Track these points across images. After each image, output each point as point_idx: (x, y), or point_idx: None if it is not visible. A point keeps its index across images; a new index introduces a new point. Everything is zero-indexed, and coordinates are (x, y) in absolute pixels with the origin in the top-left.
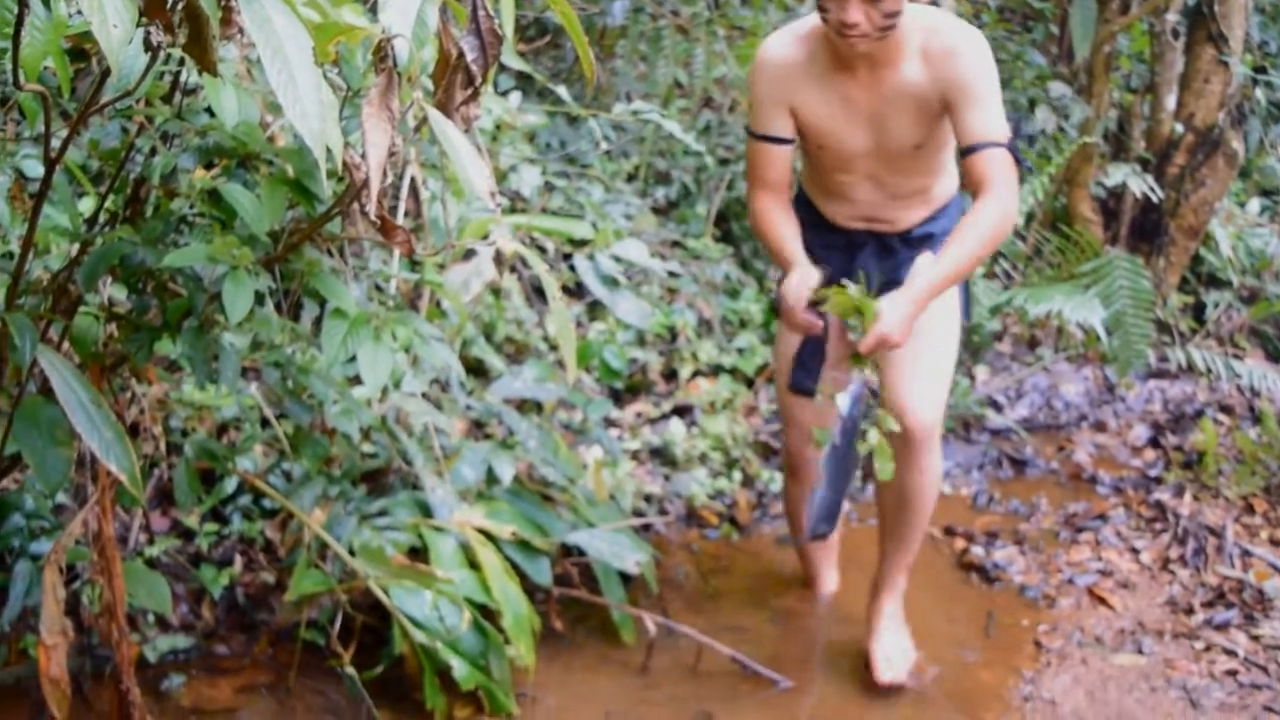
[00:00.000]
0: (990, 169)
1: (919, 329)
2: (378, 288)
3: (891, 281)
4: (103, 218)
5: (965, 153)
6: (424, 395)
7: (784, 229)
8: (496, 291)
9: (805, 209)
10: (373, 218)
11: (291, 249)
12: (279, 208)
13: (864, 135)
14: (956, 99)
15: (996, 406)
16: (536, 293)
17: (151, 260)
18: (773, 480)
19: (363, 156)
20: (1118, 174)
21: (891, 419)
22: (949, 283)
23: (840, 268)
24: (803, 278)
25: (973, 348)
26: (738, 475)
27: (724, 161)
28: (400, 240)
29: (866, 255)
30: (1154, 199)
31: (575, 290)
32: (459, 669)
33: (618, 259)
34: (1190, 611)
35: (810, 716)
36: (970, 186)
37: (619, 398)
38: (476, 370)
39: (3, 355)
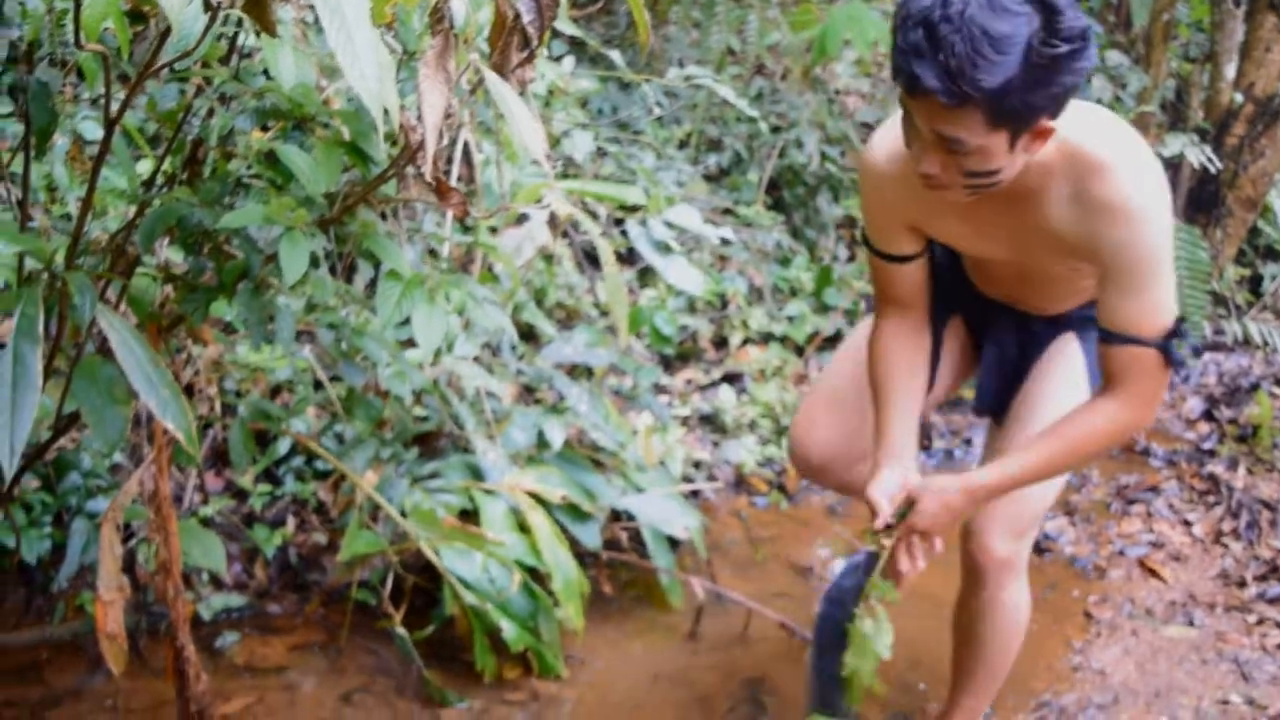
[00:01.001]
0: (1129, 371)
1: (1034, 416)
2: (431, 251)
3: (1019, 356)
4: (160, 179)
5: (1105, 338)
6: (475, 359)
7: (897, 387)
8: (548, 257)
9: (944, 253)
10: (428, 179)
11: (346, 211)
12: (335, 170)
13: (1005, 251)
14: (1109, 271)
15: None
16: (588, 258)
17: (209, 221)
18: None
19: (418, 118)
20: (1175, 144)
21: (893, 589)
22: (1021, 485)
23: (970, 319)
24: (886, 486)
25: None
26: (786, 443)
27: (776, 129)
28: (455, 203)
29: (1000, 324)
30: (1212, 170)
31: (626, 256)
32: (509, 631)
33: (670, 225)
34: (1242, 585)
35: (882, 673)
36: (1103, 376)
37: (669, 364)
38: (527, 335)
39: (62, 315)
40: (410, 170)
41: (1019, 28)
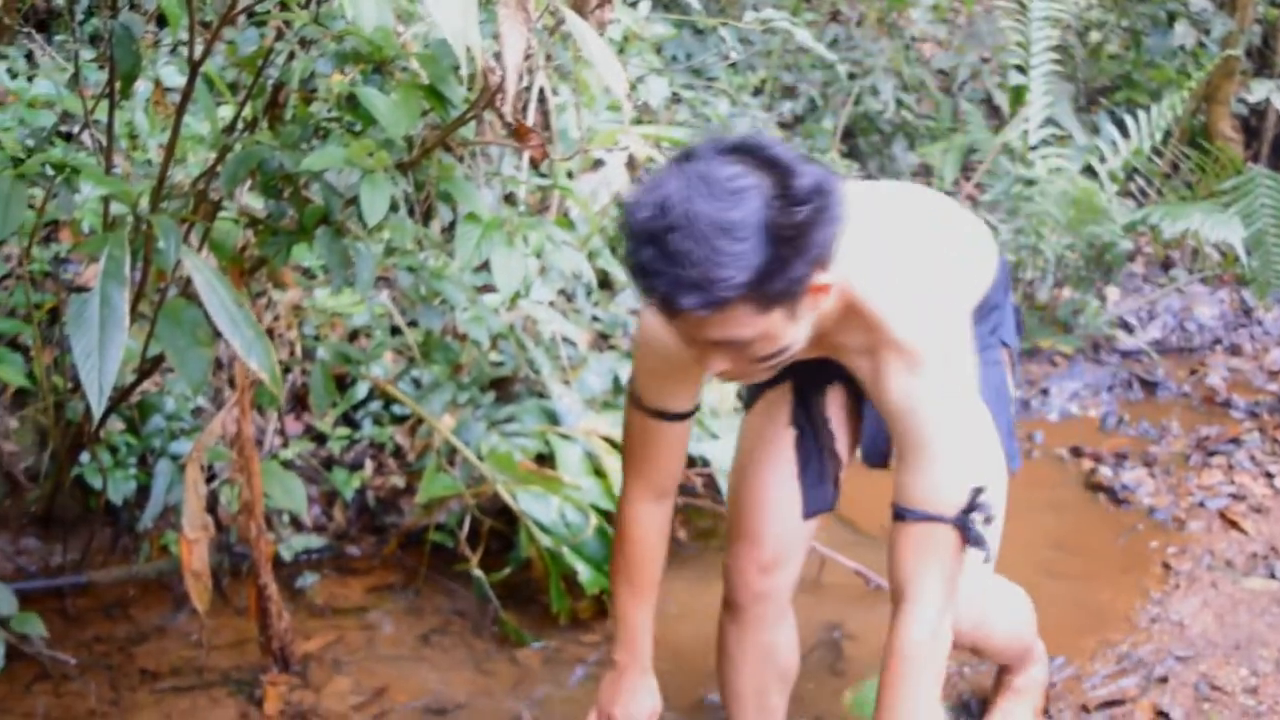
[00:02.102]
0: (916, 554)
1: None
2: (508, 196)
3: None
4: (240, 124)
5: (897, 515)
6: (551, 304)
7: (645, 578)
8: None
9: None
10: (508, 121)
11: (425, 154)
12: (414, 113)
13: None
14: (897, 432)
15: (1127, 328)
16: None
17: (290, 164)
18: None
19: (497, 59)
20: (1260, 90)
21: None
22: None
23: (846, 385)
24: (632, 707)
25: (1104, 267)
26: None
27: (852, 76)
28: (534, 144)
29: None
30: None
31: None
32: (584, 573)
33: None
34: None
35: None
36: (890, 568)
37: None
38: (602, 283)
39: (147, 259)
40: (488, 114)
41: (751, 207)
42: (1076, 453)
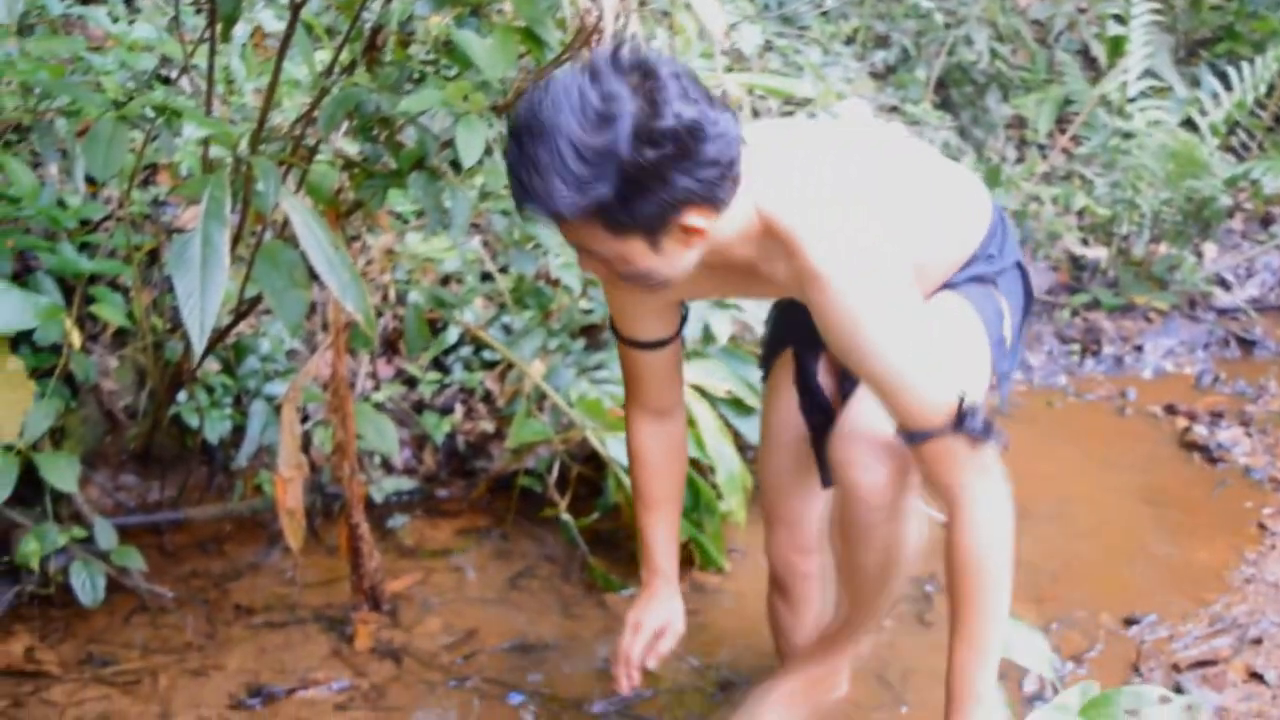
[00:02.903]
0: (938, 467)
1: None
2: None
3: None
4: (338, 68)
5: (903, 439)
6: None
7: (660, 497)
8: None
9: None
10: None
11: (521, 96)
12: (511, 55)
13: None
14: (851, 361)
15: (1224, 285)
16: None
17: (387, 107)
18: None
19: (594, 0)
20: None
21: None
22: (987, 661)
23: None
24: (650, 613)
25: (1202, 222)
26: None
27: (945, 25)
28: None
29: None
30: None
31: None
32: None
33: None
34: None
35: (1027, 584)
36: (930, 485)
37: None
38: None
39: (246, 200)
40: (584, 55)
41: (610, 136)
42: (1171, 410)
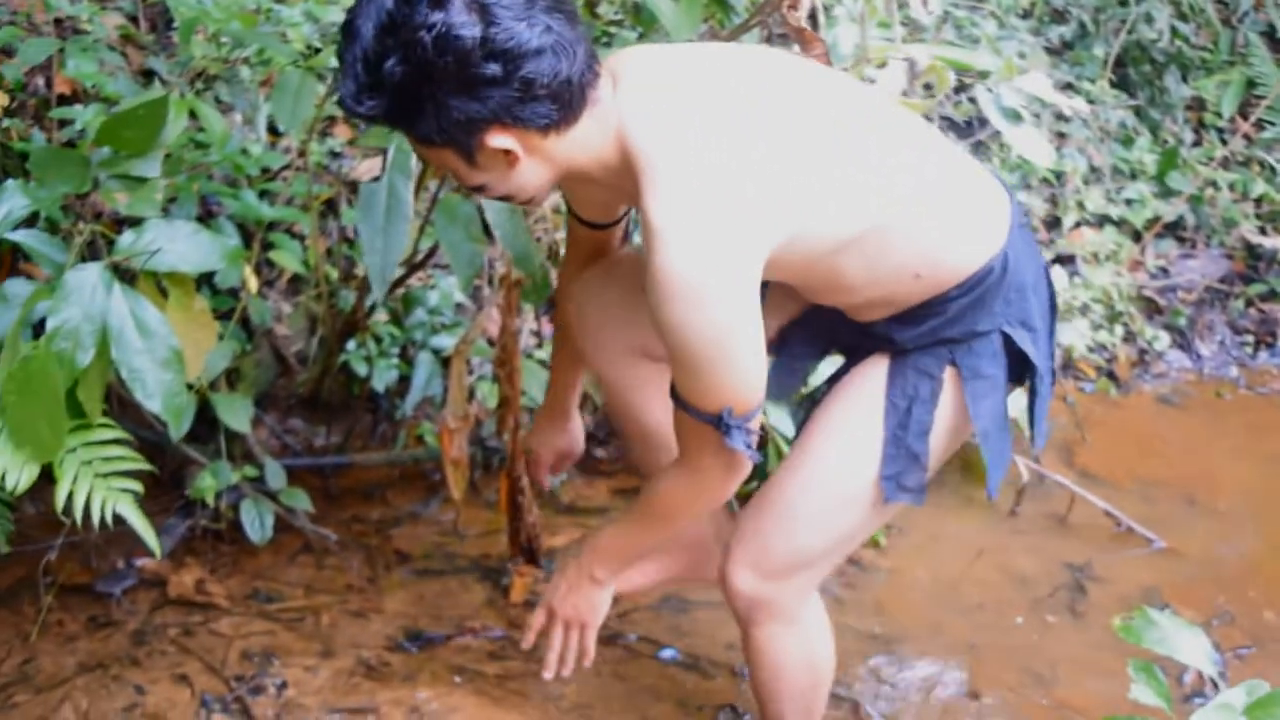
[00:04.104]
0: (686, 437)
1: (803, 449)
2: None
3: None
4: None
5: (671, 392)
6: None
7: (565, 351)
8: None
9: None
10: (798, 25)
11: None
12: (697, 17)
13: None
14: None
15: None
16: None
17: None
18: (1156, 338)
19: None
20: None
21: None
22: (638, 543)
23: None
24: (551, 443)
25: None
26: (1119, 330)
27: (1123, 1)
28: (818, 53)
29: (823, 320)
30: None
31: (963, 128)
32: None
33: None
34: None
35: (1189, 579)
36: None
37: None
38: None
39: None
40: (770, 20)
41: (392, 48)
42: None
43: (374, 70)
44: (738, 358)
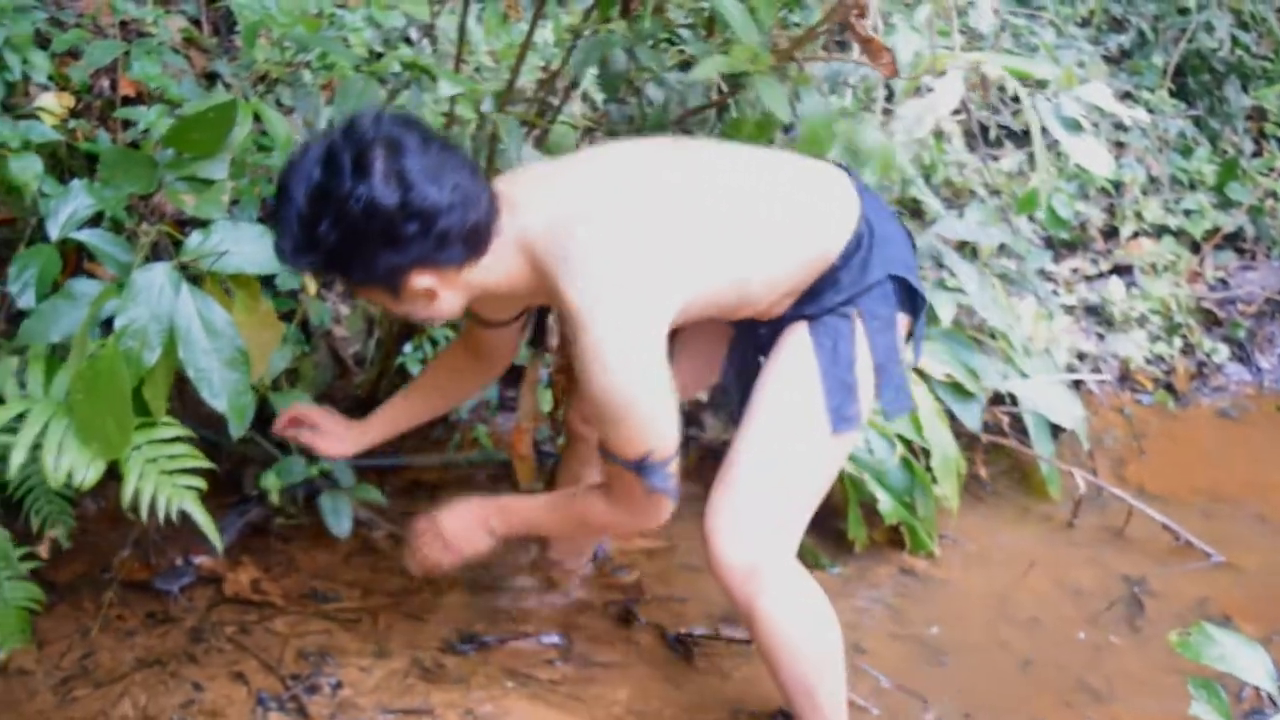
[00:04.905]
0: (611, 479)
1: (751, 417)
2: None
3: (755, 360)
4: (589, 28)
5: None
6: None
7: (413, 389)
8: (938, 134)
9: None
10: (866, 34)
11: (787, 58)
12: (769, 19)
13: None
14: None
15: None
16: (978, 135)
17: (645, 59)
18: (1215, 350)
19: None
20: None
21: None
22: (544, 529)
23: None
24: (327, 419)
25: None
26: (1178, 342)
27: (1183, 10)
28: (885, 61)
29: (735, 334)
30: None
31: (1021, 136)
32: (884, 503)
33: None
34: None
35: (1249, 594)
36: None
37: (1054, 251)
38: (914, 212)
39: (490, 157)
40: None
41: (333, 217)
42: None
43: (309, 231)
44: (653, 409)
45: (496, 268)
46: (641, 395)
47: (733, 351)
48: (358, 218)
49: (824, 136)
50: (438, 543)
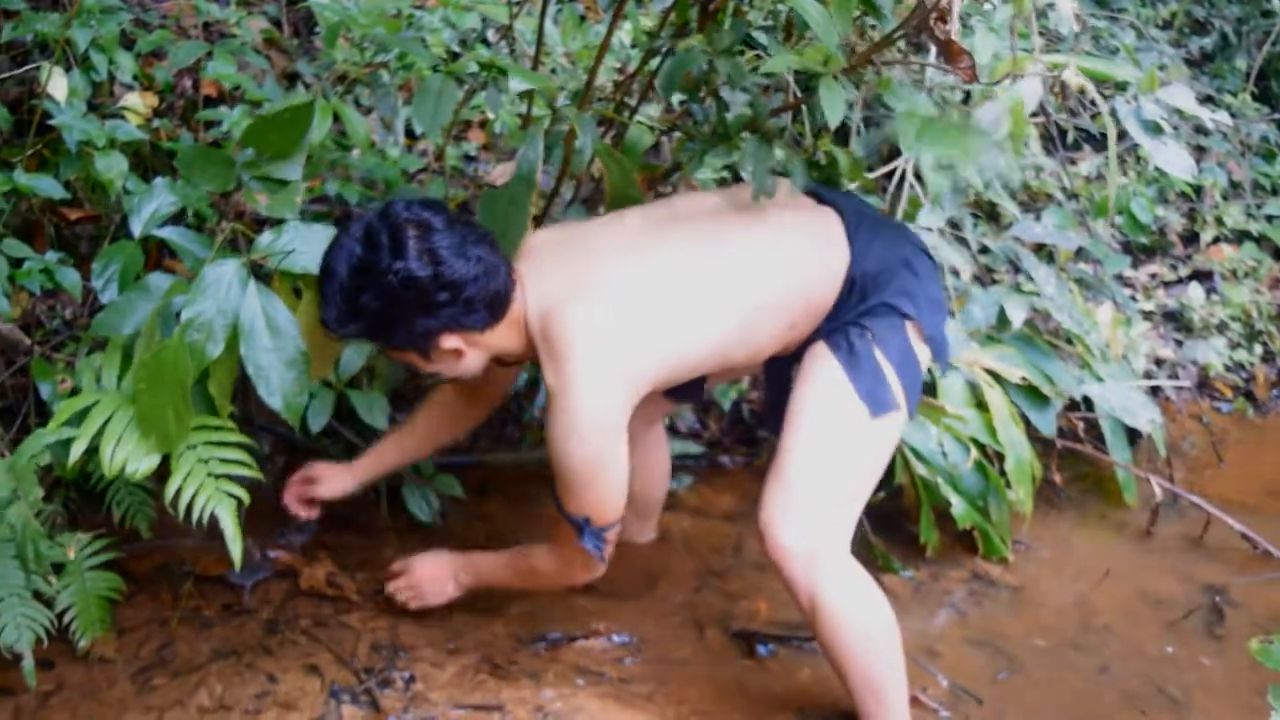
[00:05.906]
0: (553, 526)
1: (792, 418)
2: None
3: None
4: (666, 32)
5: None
6: (940, 232)
7: (405, 429)
8: (1014, 137)
9: None
10: (946, 37)
11: (865, 61)
12: (847, 22)
13: None
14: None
15: None
16: (1058, 139)
17: (726, 69)
18: None
19: None
20: None
21: None
22: (503, 583)
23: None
24: (322, 474)
25: None
26: (1258, 349)
27: (1267, 14)
28: (964, 65)
29: (781, 363)
30: None
31: (1095, 140)
32: (958, 506)
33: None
34: None
35: None
36: None
37: (1133, 257)
38: (990, 215)
39: (567, 155)
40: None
41: (372, 291)
42: None
43: (352, 302)
44: (602, 483)
45: (509, 332)
46: (594, 472)
47: (769, 378)
48: (396, 289)
49: (924, 132)
50: (409, 590)
